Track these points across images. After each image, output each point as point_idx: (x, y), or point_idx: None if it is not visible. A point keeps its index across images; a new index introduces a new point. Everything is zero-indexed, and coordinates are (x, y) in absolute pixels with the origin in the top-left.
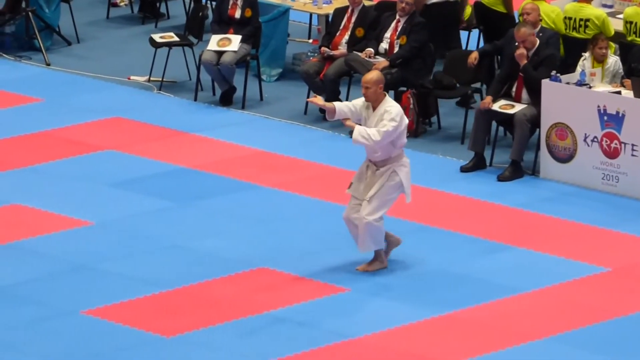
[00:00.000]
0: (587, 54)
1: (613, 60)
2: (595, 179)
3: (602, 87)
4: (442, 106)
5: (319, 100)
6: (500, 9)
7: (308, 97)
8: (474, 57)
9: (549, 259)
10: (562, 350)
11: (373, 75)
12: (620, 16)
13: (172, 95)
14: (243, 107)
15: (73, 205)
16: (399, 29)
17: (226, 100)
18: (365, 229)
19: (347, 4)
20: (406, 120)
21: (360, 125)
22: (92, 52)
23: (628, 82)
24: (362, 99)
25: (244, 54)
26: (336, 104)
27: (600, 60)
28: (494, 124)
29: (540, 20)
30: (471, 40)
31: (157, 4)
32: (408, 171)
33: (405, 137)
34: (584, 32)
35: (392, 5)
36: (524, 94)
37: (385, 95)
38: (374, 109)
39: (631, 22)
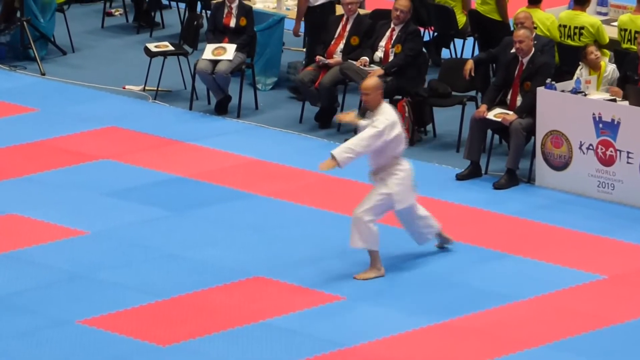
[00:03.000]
0: (582, 64)
1: (611, 69)
2: (590, 187)
3: (597, 95)
4: (438, 114)
5: (349, 117)
6: (495, 17)
7: (304, 105)
8: (469, 67)
9: (544, 266)
10: (559, 358)
11: (371, 81)
12: (615, 24)
13: (168, 104)
14: (238, 116)
15: (68, 214)
16: (394, 38)
17: (221, 109)
18: (353, 223)
19: (342, 12)
20: (397, 130)
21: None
22: (87, 62)
23: (614, 89)
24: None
25: (239, 63)
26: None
27: (595, 66)
28: (489, 132)
29: (535, 28)
30: (466, 48)
31: (152, 14)
32: (400, 179)
33: (400, 146)
34: (579, 39)
35: (387, 14)
36: (519, 102)
37: (382, 102)
38: (373, 114)
39: (625, 30)
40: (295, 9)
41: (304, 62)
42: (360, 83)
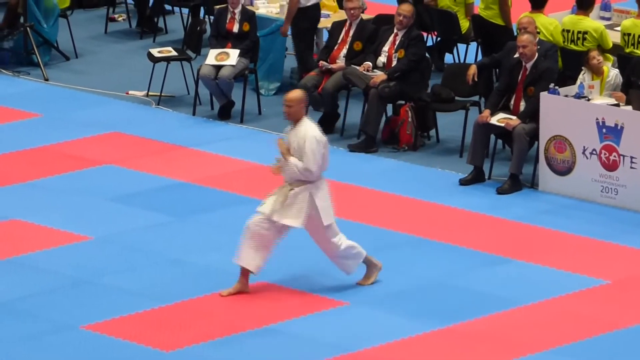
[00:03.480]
0: (585, 69)
1: (614, 74)
2: (594, 192)
3: (600, 100)
4: (441, 119)
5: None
6: (499, 21)
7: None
8: (472, 72)
9: (548, 271)
10: None
11: (296, 94)
12: (618, 28)
13: (171, 109)
14: (241, 121)
15: (72, 220)
16: (397, 43)
17: (224, 114)
18: (334, 259)
19: (345, 17)
20: (324, 140)
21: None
22: (90, 67)
23: (618, 94)
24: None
25: (242, 68)
26: None
27: (598, 71)
28: (492, 137)
29: (538, 32)
30: (469, 53)
31: (155, 19)
32: (325, 193)
33: (327, 161)
34: (582, 44)
35: (390, 19)
36: (522, 107)
37: (304, 116)
38: (295, 125)
39: (629, 34)
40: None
41: (298, 67)
42: (364, 88)
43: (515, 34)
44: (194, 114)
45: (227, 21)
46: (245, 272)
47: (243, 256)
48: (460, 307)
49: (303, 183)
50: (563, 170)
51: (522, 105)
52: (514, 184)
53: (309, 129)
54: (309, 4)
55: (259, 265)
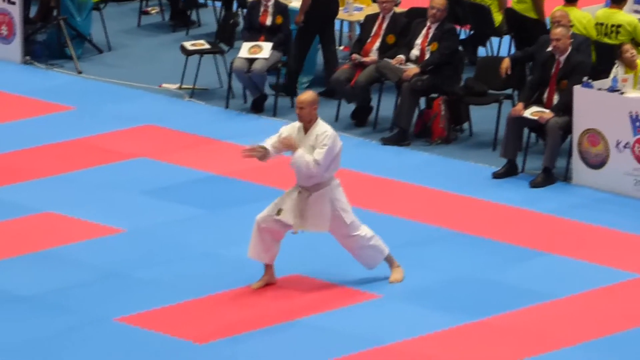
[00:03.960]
0: (618, 62)
1: None
2: (627, 185)
3: (634, 94)
4: (474, 113)
5: (253, 151)
6: (532, 15)
7: (339, 104)
8: (505, 65)
9: (581, 265)
10: (595, 357)
11: (308, 95)
12: None
13: (204, 102)
14: (274, 115)
15: (105, 212)
16: (430, 36)
17: (257, 107)
18: (357, 252)
19: (378, 10)
20: (340, 143)
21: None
22: (123, 60)
23: None
24: (290, 125)
25: (275, 62)
26: (267, 145)
27: (631, 64)
28: (525, 130)
29: (572, 26)
30: (502, 47)
31: (188, 12)
32: (341, 192)
33: (339, 161)
34: (616, 38)
35: (423, 12)
36: (555, 101)
37: (317, 117)
38: (306, 130)
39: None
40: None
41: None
42: (396, 81)
43: (548, 27)
44: (226, 107)
45: (260, 14)
46: (268, 264)
47: (254, 250)
48: (493, 300)
49: (319, 187)
50: (596, 163)
51: (555, 98)
52: (547, 178)
53: (327, 129)
54: None
55: (274, 255)
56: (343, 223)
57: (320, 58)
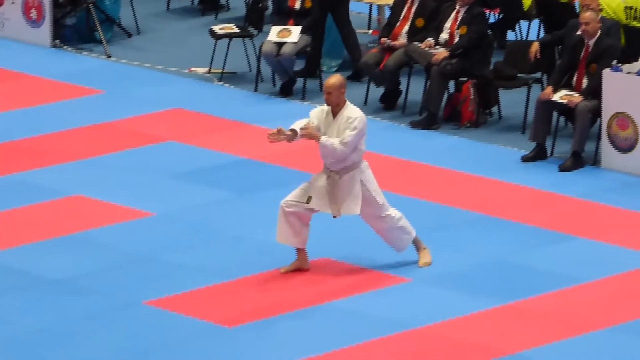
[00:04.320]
0: None
1: None
2: None
3: None
4: (503, 96)
5: (280, 134)
6: None
7: (368, 87)
8: (534, 49)
9: (610, 249)
10: (625, 340)
11: (335, 80)
12: None
13: (233, 86)
14: (303, 98)
15: (134, 196)
16: (459, 19)
17: (286, 91)
18: (386, 234)
19: None
20: (365, 125)
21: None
22: (152, 44)
23: None
24: (318, 108)
25: (304, 45)
26: (296, 127)
27: None
28: (555, 114)
29: (601, 10)
30: (532, 31)
31: None
32: (370, 173)
33: (364, 144)
34: None
35: None
36: (585, 84)
37: (346, 100)
38: (335, 114)
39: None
40: None
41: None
42: (425, 65)
43: (577, 11)
44: (255, 90)
45: None
46: (300, 248)
47: (282, 234)
48: (522, 284)
49: (349, 170)
50: (626, 147)
51: (585, 82)
52: (576, 161)
53: (357, 112)
54: None
55: (304, 239)
56: (375, 203)
57: None
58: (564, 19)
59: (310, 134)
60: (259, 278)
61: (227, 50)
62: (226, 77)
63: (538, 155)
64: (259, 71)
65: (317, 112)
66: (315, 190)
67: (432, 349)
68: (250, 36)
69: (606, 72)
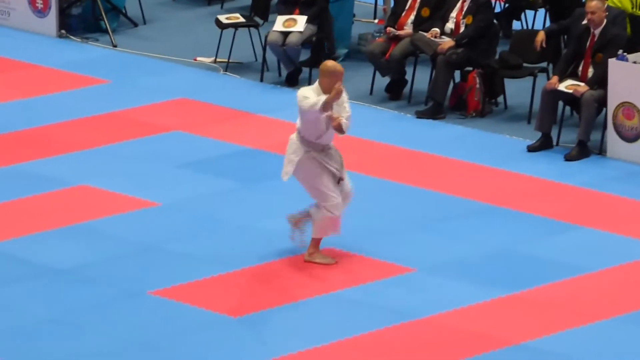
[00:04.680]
0: None
1: None
2: None
3: None
4: (509, 86)
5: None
6: None
7: (374, 77)
8: (540, 38)
9: (616, 238)
10: (630, 330)
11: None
12: None
13: (238, 76)
14: None
15: (140, 186)
16: (465, 9)
17: (292, 80)
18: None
19: None
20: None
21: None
22: (158, 34)
23: None
24: (310, 88)
25: (309, 35)
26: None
27: None
28: (560, 103)
29: None
30: (537, 20)
31: None
32: None
33: None
34: None
35: None
36: (590, 74)
37: None
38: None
39: None
40: None
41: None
42: (431, 55)
43: (583, 0)
44: (261, 80)
45: None
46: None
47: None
48: (527, 274)
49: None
50: (631, 136)
51: (590, 71)
52: (582, 151)
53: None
54: None
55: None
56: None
57: (355, 30)
58: (570, 8)
59: (339, 122)
60: (264, 268)
61: (233, 40)
62: (232, 67)
63: (544, 144)
64: (264, 61)
65: (313, 91)
66: (337, 171)
67: (437, 338)
68: (256, 26)
69: (612, 62)
